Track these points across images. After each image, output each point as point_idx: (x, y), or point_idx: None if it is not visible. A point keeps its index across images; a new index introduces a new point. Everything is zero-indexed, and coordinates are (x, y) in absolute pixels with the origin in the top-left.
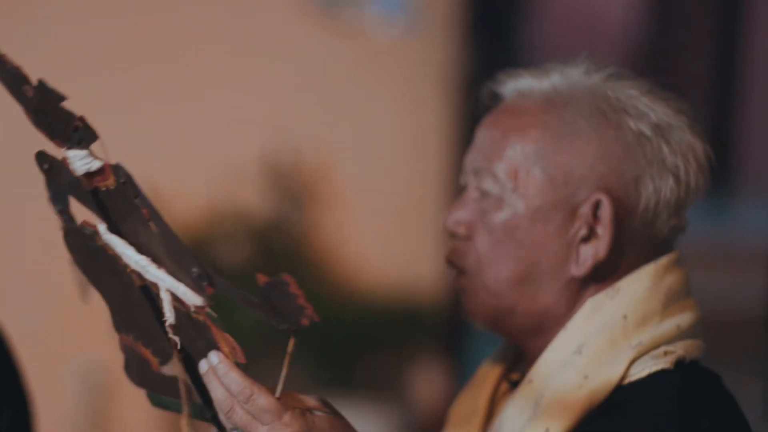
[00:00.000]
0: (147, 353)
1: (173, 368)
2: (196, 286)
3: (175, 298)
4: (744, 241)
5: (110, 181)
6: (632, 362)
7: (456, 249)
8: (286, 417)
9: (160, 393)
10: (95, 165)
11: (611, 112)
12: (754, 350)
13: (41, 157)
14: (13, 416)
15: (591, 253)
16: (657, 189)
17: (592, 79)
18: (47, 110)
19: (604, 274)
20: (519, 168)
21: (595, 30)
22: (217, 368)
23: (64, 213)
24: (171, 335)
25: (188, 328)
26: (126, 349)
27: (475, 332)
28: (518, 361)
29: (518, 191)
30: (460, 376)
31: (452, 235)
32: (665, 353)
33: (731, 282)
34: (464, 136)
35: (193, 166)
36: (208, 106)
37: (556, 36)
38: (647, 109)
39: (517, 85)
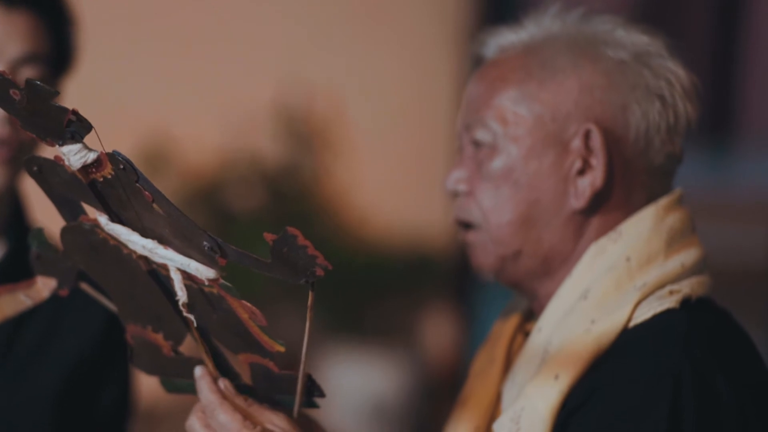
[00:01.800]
0: (158, 338)
1: (188, 349)
2: (207, 260)
3: (186, 276)
4: (746, 193)
5: (107, 170)
6: (638, 304)
7: (460, 206)
8: None
9: (175, 376)
10: (91, 157)
11: (587, 45)
12: (757, 301)
13: (30, 162)
14: (117, 392)
15: (588, 183)
16: (645, 114)
17: (566, 20)
18: (37, 110)
19: (606, 207)
20: (506, 112)
21: None
22: (197, 382)
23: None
24: (185, 314)
25: (203, 303)
26: (134, 340)
27: (484, 279)
28: (532, 313)
29: (509, 135)
30: (469, 322)
31: (455, 193)
32: (671, 293)
33: (733, 234)
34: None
35: (205, 111)
36: (220, 52)
37: None
38: (624, 38)
39: (498, 41)
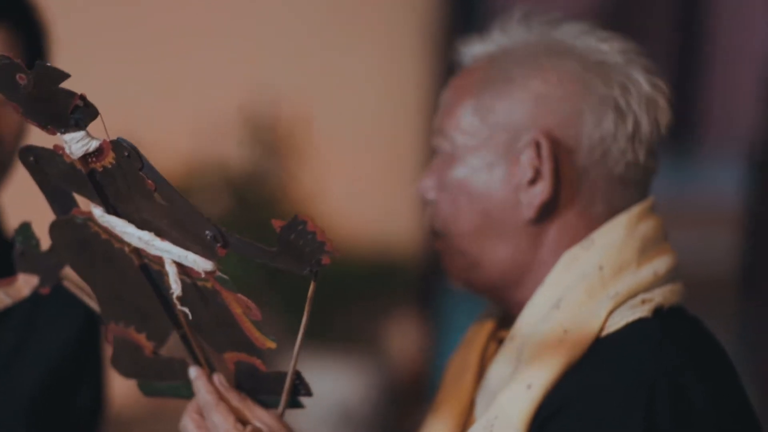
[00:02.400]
0: (141, 339)
1: (169, 350)
2: (205, 251)
3: (181, 270)
4: (710, 200)
5: (108, 160)
6: (610, 313)
7: (428, 214)
8: None
9: (155, 379)
10: (93, 145)
11: (543, 55)
12: (722, 309)
13: (26, 152)
14: (92, 394)
15: (537, 193)
16: (597, 122)
17: (530, 28)
18: (43, 94)
19: (563, 217)
20: (463, 123)
21: None
22: (194, 383)
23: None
24: (179, 307)
25: (195, 299)
26: (115, 341)
27: (450, 286)
28: (506, 320)
29: (466, 145)
30: (435, 329)
31: (424, 201)
32: (643, 301)
33: (698, 241)
34: (443, 88)
35: (173, 118)
36: (188, 59)
37: None
38: (580, 47)
39: (470, 50)
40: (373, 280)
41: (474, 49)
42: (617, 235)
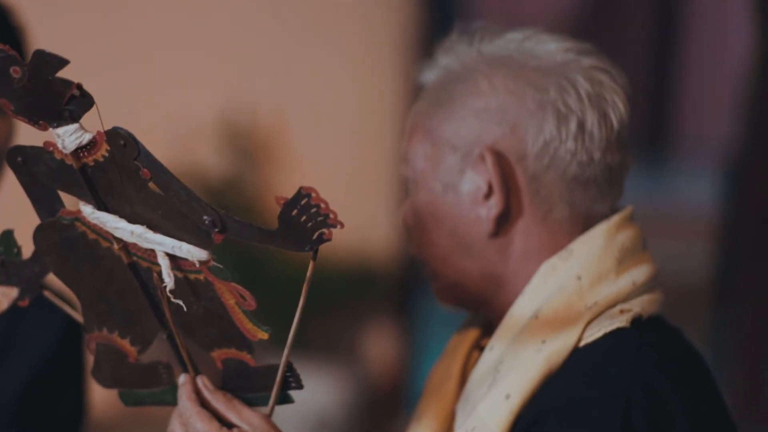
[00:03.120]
0: (124, 344)
1: (150, 357)
2: (200, 241)
3: (173, 264)
4: (684, 210)
5: (100, 153)
6: (588, 323)
7: (410, 241)
8: None
9: (137, 387)
10: (86, 138)
11: (477, 71)
12: (696, 318)
13: (14, 152)
14: (72, 403)
15: (492, 206)
16: (538, 129)
17: (472, 46)
18: (37, 86)
19: (524, 225)
20: (419, 149)
21: None
22: (179, 389)
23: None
24: (173, 300)
25: (186, 294)
26: (98, 348)
27: (427, 293)
28: (489, 329)
29: (424, 170)
30: (411, 337)
31: (406, 228)
32: (621, 311)
33: (672, 250)
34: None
35: (150, 124)
36: (165, 65)
37: None
38: (518, 56)
39: (424, 75)
40: (351, 287)
41: (425, 74)
42: (595, 245)
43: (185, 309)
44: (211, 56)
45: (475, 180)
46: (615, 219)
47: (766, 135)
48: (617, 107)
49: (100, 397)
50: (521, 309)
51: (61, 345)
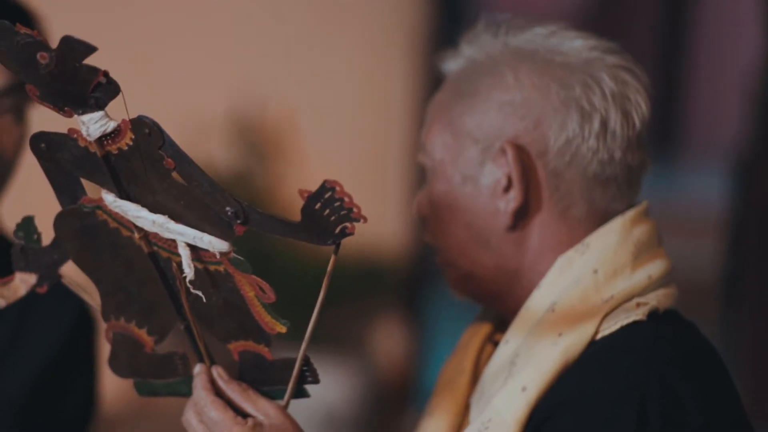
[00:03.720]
0: (141, 334)
1: (166, 348)
2: (221, 233)
3: (194, 254)
4: (692, 208)
5: (124, 141)
6: (605, 317)
7: (424, 230)
8: (235, 430)
9: (153, 377)
10: (111, 125)
11: (504, 64)
12: (704, 316)
13: (37, 139)
14: (82, 397)
15: (511, 199)
16: (561, 125)
17: (497, 36)
18: (64, 73)
19: (542, 220)
20: (438, 138)
21: None
22: (195, 378)
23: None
24: (193, 290)
25: (206, 285)
26: (114, 338)
27: (436, 289)
28: (501, 323)
29: (443, 160)
30: (420, 333)
31: (421, 218)
32: (638, 305)
33: (680, 248)
34: (429, 92)
35: (159, 119)
36: (174, 61)
37: None
38: (544, 51)
39: (446, 65)
40: (360, 282)
41: (448, 64)
42: (612, 239)
43: (204, 300)
44: (220, 52)
45: (494, 173)
46: (630, 214)
47: None
48: (640, 107)
49: (111, 390)
50: (537, 302)
51: (71, 337)
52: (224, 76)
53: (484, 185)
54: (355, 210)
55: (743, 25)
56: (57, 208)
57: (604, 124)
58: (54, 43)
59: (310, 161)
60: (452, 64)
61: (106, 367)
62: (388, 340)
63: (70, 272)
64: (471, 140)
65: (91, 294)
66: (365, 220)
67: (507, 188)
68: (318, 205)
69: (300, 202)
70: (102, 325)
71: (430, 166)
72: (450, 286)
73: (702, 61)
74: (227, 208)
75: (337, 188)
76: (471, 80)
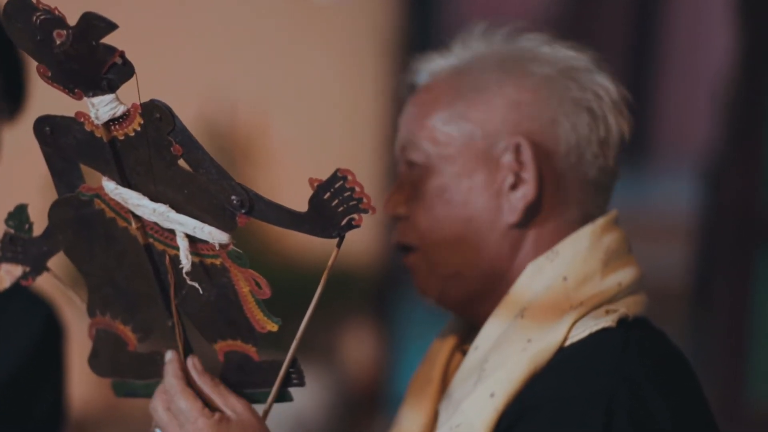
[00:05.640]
0: (126, 331)
1: (148, 347)
2: (223, 224)
3: (191, 248)
4: (662, 213)
5: (132, 127)
6: (574, 323)
7: (400, 230)
8: (200, 422)
9: (133, 377)
10: (120, 109)
11: (513, 62)
12: (673, 323)
13: (42, 122)
14: (51, 401)
15: (521, 196)
16: (573, 127)
17: (492, 39)
18: (81, 51)
19: (541, 221)
20: (437, 133)
21: None
22: (166, 366)
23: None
24: (189, 281)
25: (200, 279)
26: (97, 335)
27: (405, 295)
28: (470, 333)
29: (441, 155)
30: (390, 340)
31: (395, 217)
32: (607, 312)
33: (650, 253)
34: (401, 100)
35: None
36: (146, 65)
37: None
38: (549, 54)
39: (429, 67)
40: (329, 288)
41: (433, 65)
42: (581, 246)
43: (200, 291)
44: (189, 57)
45: (503, 168)
46: (600, 222)
47: (743, 139)
48: (628, 122)
49: (79, 394)
50: (507, 308)
51: (39, 344)
52: (194, 81)
53: (488, 181)
54: (365, 200)
55: (712, 31)
56: (38, 212)
57: (607, 130)
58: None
59: (281, 166)
60: (439, 64)
61: (76, 372)
62: (358, 347)
63: (57, 267)
64: (476, 135)
65: (75, 290)
66: (374, 210)
67: (514, 185)
68: (327, 195)
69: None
70: (73, 330)
71: (421, 162)
72: (423, 290)
73: (671, 67)
74: (233, 197)
75: (350, 177)
76: (474, 77)
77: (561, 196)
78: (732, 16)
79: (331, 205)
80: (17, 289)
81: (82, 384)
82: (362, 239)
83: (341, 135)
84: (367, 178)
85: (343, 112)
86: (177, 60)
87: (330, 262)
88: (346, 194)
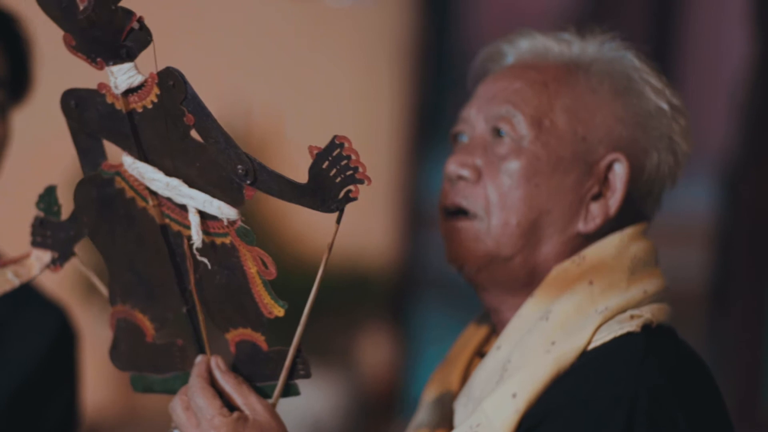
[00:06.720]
0: (144, 320)
1: (165, 337)
2: (231, 199)
3: (202, 226)
4: (680, 217)
5: (149, 99)
6: (599, 327)
7: (461, 191)
8: (217, 420)
9: (150, 370)
10: (138, 79)
11: (634, 81)
12: (690, 326)
13: (67, 96)
14: (64, 406)
15: (601, 211)
16: (660, 163)
17: (608, 48)
18: (102, 15)
19: (600, 236)
20: (543, 118)
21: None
22: (194, 366)
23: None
24: (199, 258)
25: (211, 260)
26: (118, 324)
27: (422, 299)
28: (491, 337)
29: (541, 139)
30: (406, 343)
31: (458, 178)
32: (632, 317)
33: (668, 258)
34: (417, 103)
35: None
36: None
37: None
38: (662, 86)
39: (534, 44)
40: (345, 291)
41: (538, 44)
42: (608, 253)
43: (209, 266)
44: (206, 61)
45: (592, 177)
46: (629, 230)
47: (761, 143)
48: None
49: (93, 399)
50: (531, 309)
51: (53, 350)
52: (209, 84)
53: (577, 183)
54: (360, 169)
55: (730, 34)
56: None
57: (677, 163)
58: None
59: (296, 169)
60: (553, 46)
61: (89, 377)
62: (374, 350)
63: (83, 253)
64: (581, 136)
65: (99, 278)
66: (369, 181)
67: (596, 196)
68: (326, 164)
69: (285, 212)
70: (86, 335)
71: (514, 138)
72: (467, 257)
73: (689, 71)
74: (239, 167)
75: (346, 144)
76: (596, 80)
77: (622, 218)
78: (748, 19)
79: (330, 175)
80: (31, 294)
81: (96, 388)
82: (379, 243)
83: (357, 138)
84: (384, 181)
85: (358, 116)
86: (192, 63)
87: (331, 240)
88: (343, 162)
